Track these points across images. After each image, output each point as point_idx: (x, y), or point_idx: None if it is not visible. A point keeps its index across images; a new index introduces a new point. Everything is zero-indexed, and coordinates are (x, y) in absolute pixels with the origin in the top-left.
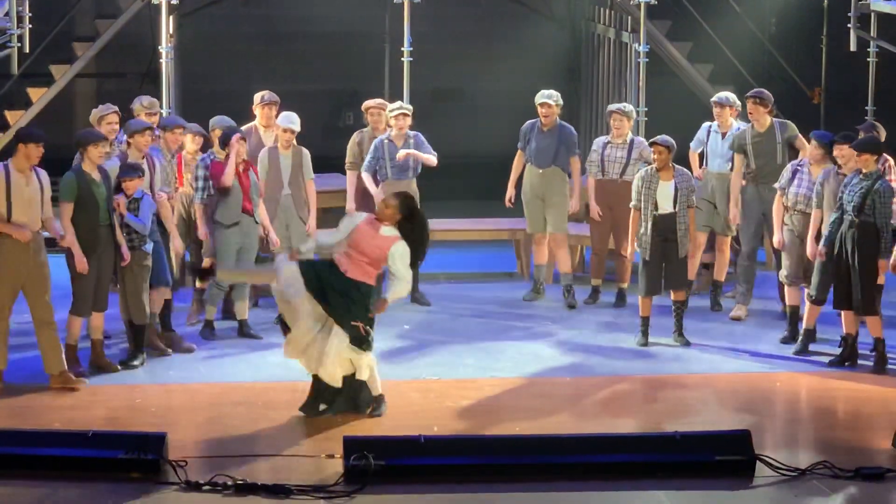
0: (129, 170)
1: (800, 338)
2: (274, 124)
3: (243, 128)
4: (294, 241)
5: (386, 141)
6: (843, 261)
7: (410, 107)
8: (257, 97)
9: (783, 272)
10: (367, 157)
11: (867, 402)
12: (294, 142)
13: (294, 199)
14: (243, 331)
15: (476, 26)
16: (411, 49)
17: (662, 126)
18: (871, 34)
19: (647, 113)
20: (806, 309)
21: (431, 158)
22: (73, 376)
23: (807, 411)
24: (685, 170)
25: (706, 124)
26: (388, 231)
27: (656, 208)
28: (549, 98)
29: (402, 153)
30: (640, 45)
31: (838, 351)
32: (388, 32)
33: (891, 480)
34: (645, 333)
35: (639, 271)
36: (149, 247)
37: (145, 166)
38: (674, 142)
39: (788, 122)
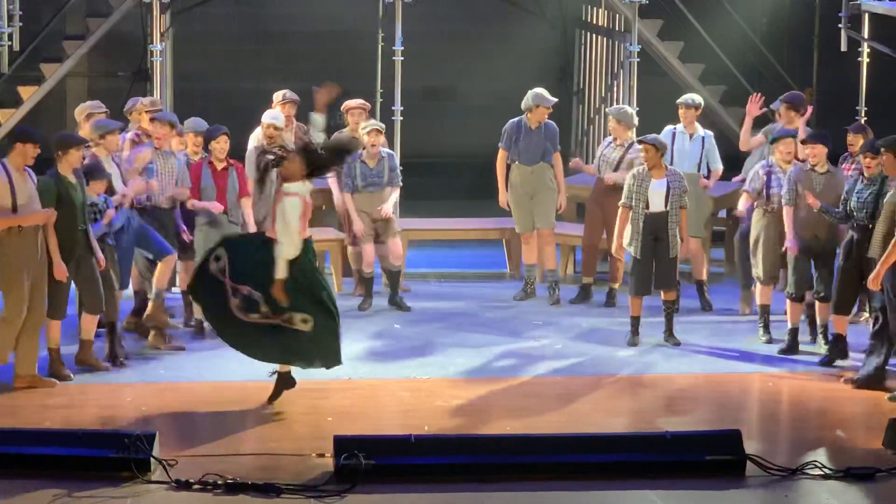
0: (97, 171)
1: (786, 337)
2: (293, 124)
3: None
4: None
5: (359, 162)
6: (851, 267)
7: (383, 125)
8: (278, 95)
9: (757, 271)
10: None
11: (857, 402)
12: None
13: None
14: None
15: (468, 25)
16: (403, 48)
17: (653, 126)
18: (863, 34)
19: (638, 113)
20: (787, 308)
21: (396, 193)
22: (51, 378)
23: (797, 411)
24: (677, 170)
25: (669, 127)
26: (287, 187)
27: (647, 207)
28: (551, 102)
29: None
30: (631, 44)
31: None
32: (380, 31)
33: (881, 480)
34: (635, 333)
35: (629, 271)
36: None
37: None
38: (663, 140)
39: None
